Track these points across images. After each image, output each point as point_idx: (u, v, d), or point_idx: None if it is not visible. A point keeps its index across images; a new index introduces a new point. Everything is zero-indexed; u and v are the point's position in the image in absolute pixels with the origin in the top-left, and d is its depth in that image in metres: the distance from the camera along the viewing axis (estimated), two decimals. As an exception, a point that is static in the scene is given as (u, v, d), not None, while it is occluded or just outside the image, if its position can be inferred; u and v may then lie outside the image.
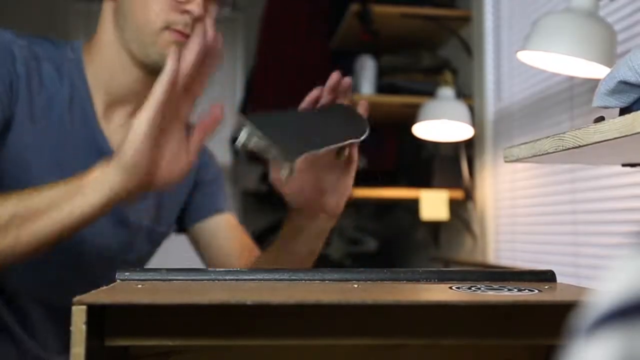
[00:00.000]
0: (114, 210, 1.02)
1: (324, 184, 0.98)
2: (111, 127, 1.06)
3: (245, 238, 1.23)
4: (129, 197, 0.81)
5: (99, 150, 1.03)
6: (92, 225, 1.01)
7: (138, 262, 1.17)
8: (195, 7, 0.98)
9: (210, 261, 1.20)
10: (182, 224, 1.22)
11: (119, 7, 1.00)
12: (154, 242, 1.17)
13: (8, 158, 0.97)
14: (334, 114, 0.92)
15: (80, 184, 0.80)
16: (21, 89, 0.97)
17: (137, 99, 1.05)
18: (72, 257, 1.05)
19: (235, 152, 3.01)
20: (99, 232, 1.04)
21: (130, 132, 0.79)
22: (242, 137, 0.77)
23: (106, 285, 1.07)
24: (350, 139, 0.87)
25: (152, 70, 1.00)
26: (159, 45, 0.98)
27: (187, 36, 0.97)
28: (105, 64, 1.03)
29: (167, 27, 0.98)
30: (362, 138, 0.84)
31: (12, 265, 0.98)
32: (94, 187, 0.80)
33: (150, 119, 0.79)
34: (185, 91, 0.84)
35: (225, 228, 1.21)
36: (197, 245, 1.21)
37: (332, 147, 0.84)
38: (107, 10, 1.02)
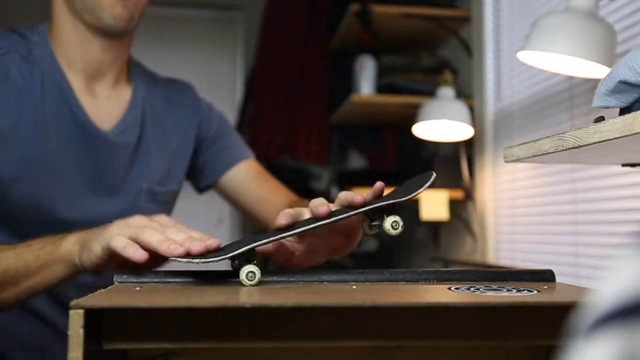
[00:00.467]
0: (102, 185, 1.07)
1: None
2: (96, 103, 1.08)
3: (272, 181, 1.28)
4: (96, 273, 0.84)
5: (80, 126, 1.04)
6: (88, 206, 1.04)
7: None
8: None
9: (248, 210, 1.25)
10: (205, 183, 1.26)
11: None
12: (161, 202, 1.16)
13: None
14: None
15: (50, 259, 0.85)
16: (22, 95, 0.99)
17: (113, 68, 1.09)
18: None
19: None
20: (96, 208, 1.07)
21: (99, 240, 0.79)
22: None
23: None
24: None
25: (111, 34, 1.04)
26: (105, 5, 1.00)
27: None
28: (68, 40, 1.05)
29: None
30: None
31: None
32: (61, 264, 0.84)
33: (117, 248, 0.75)
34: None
35: (249, 176, 1.25)
36: (230, 199, 1.27)
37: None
38: None
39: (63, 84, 1.04)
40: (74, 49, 1.05)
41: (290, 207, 1.09)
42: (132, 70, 1.16)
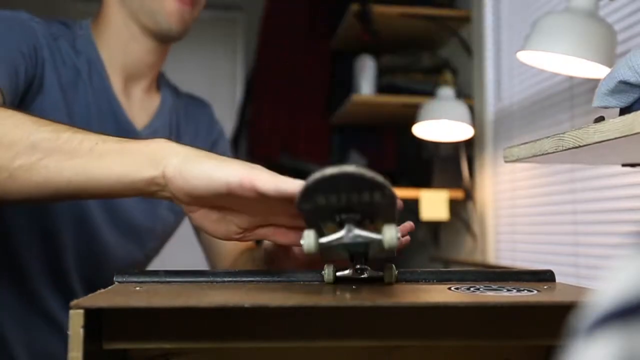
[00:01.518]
0: None
1: None
2: (130, 104, 1.09)
3: None
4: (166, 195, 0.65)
5: (118, 124, 1.05)
6: (116, 203, 1.03)
7: (164, 235, 1.18)
8: None
9: (202, 244, 1.20)
10: None
11: None
12: (177, 212, 1.16)
13: None
14: None
15: (113, 148, 0.65)
16: (46, 58, 0.98)
17: (150, 72, 1.11)
18: (109, 230, 1.07)
19: (235, 152, 3.01)
20: (125, 202, 1.06)
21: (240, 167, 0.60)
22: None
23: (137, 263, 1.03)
24: None
25: (162, 38, 1.06)
26: (165, 12, 1.02)
27: (187, 3, 1.03)
28: (116, 38, 1.06)
29: None
30: None
31: (64, 242, 1.00)
32: (131, 159, 0.64)
33: (261, 184, 0.57)
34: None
35: None
36: (194, 225, 1.21)
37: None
38: None
39: (105, 79, 1.05)
40: (118, 48, 1.06)
41: (243, 254, 1.09)
42: (161, 80, 1.18)
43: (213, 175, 0.59)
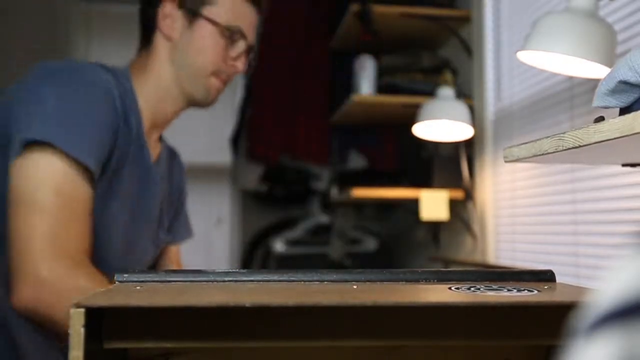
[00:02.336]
0: (144, 217, 1.17)
1: None
2: (150, 145, 1.18)
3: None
4: None
5: (144, 164, 1.15)
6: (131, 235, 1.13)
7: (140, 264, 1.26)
8: (240, 65, 1.21)
9: None
10: None
11: (177, 48, 1.16)
12: (157, 246, 1.26)
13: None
14: None
15: None
16: (120, 127, 1.07)
17: (168, 124, 1.24)
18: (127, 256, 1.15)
19: (235, 152, 3.01)
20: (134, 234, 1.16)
21: None
22: None
23: None
24: None
25: (193, 104, 1.21)
26: (206, 87, 1.17)
27: (225, 82, 1.19)
28: (155, 92, 1.17)
29: (214, 74, 1.17)
30: None
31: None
32: None
33: None
34: None
35: (170, 257, 1.33)
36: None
37: None
38: (163, 47, 1.17)
39: (141, 123, 1.14)
40: (154, 100, 1.17)
41: None
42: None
43: None
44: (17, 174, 0.96)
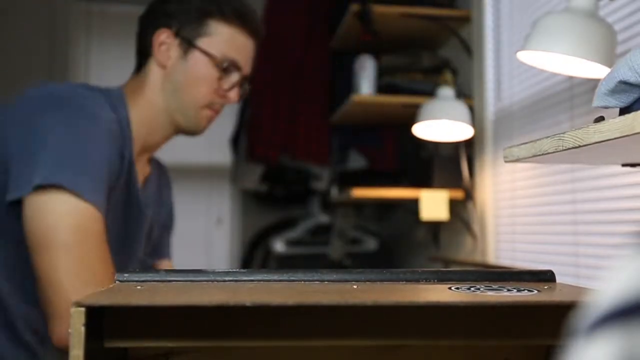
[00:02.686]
0: (128, 241, 1.17)
1: None
2: (138, 167, 1.18)
3: None
4: None
5: (132, 190, 1.14)
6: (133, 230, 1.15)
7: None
8: (233, 96, 1.19)
9: None
10: None
11: (169, 77, 1.15)
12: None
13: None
14: None
15: None
16: (117, 161, 1.08)
17: (157, 148, 1.24)
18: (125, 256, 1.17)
19: (235, 152, 3.01)
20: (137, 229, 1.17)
21: None
22: None
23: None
24: None
25: (183, 133, 1.20)
26: (198, 118, 1.17)
27: (217, 112, 1.18)
28: (148, 121, 1.17)
29: (207, 106, 1.16)
30: None
31: None
32: None
33: None
34: None
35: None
36: None
37: None
38: (156, 74, 1.16)
39: (131, 148, 1.13)
40: (148, 127, 1.16)
41: None
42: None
43: None
44: (31, 216, 0.97)
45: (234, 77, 1.18)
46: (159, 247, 1.33)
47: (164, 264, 1.35)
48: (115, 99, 1.13)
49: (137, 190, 1.15)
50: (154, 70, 1.16)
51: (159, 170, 1.33)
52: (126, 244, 1.16)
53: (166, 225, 1.35)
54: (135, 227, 1.18)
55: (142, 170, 1.21)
